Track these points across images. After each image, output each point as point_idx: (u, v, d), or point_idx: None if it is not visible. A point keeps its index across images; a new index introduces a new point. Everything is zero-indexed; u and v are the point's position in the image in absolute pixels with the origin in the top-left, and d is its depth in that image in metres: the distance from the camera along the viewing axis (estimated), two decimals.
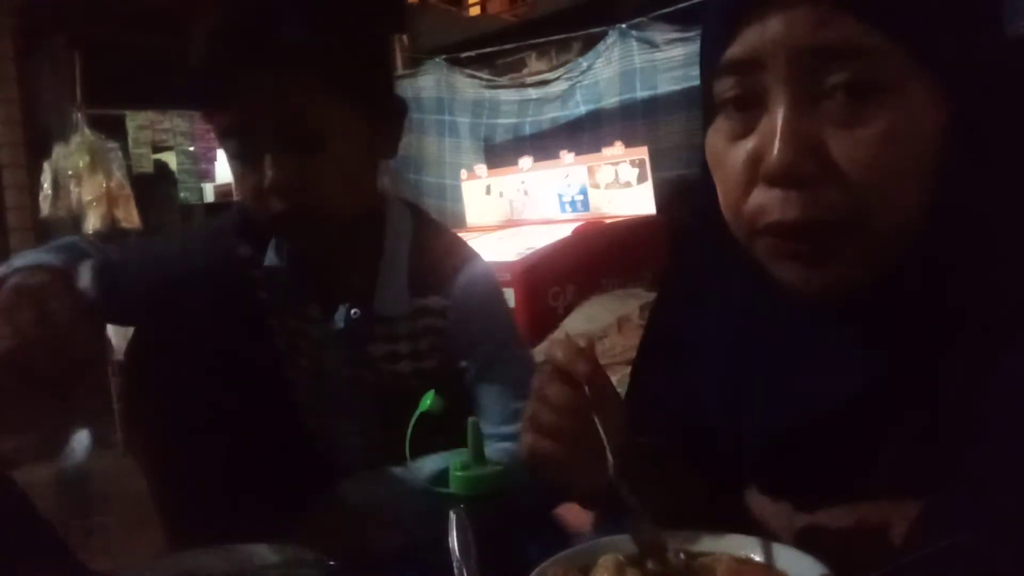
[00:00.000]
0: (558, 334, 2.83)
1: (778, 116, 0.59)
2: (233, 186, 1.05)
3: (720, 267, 0.72)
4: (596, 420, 0.65)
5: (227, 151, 1.00)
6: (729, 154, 0.63)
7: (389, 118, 1.05)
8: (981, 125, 0.59)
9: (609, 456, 0.64)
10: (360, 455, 1.07)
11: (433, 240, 1.08)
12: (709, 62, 0.64)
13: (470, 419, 0.72)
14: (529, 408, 0.69)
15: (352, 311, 1.03)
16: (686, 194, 3.14)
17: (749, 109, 0.61)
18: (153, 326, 1.04)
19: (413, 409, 0.89)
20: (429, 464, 0.85)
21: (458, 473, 0.70)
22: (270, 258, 1.07)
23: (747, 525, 0.63)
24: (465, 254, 1.08)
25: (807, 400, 0.68)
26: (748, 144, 0.61)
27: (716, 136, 0.65)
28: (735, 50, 0.60)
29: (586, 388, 0.66)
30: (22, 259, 0.92)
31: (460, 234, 1.18)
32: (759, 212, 0.61)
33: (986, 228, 0.60)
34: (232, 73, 0.94)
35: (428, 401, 0.77)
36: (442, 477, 0.73)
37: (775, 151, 0.58)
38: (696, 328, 0.77)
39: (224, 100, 0.97)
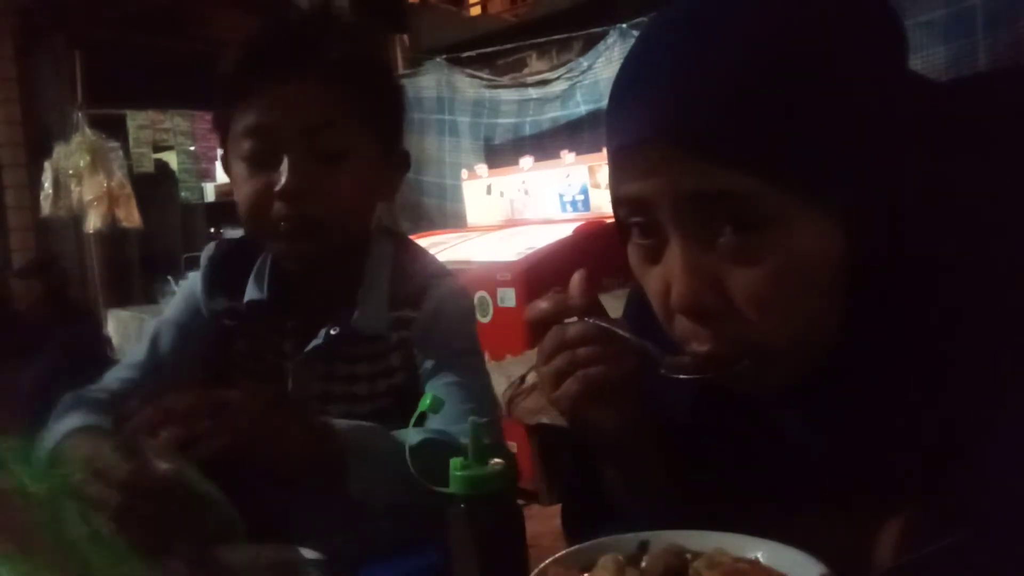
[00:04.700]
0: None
1: (676, 252, 0.60)
2: (234, 190, 1.07)
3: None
4: (609, 327, 0.68)
5: (236, 153, 1.03)
6: (645, 276, 0.65)
7: (398, 161, 1.12)
8: (882, 243, 0.58)
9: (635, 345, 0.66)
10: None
11: (412, 264, 1.12)
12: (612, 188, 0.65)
13: (471, 419, 0.72)
14: (545, 366, 0.72)
15: (331, 329, 1.05)
16: None
17: (653, 237, 0.62)
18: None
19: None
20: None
21: (458, 473, 0.69)
22: (251, 292, 1.11)
23: (746, 525, 0.63)
24: (440, 273, 1.12)
25: (776, 457, 0.69)
26: (658, 272, 0.63)
27: (632, 253, 0.66)
28: (628, 188, 0.61)
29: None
30: (68, 423, 0.95)
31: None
32: (680, 336, 0.63)
33: (910, 323, 0.59)
34: (269, 77, 0.99)
35: (427, 401, 0.77)
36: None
37: (675, 287, 0.60)
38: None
39: (252, 101, 1.01)
